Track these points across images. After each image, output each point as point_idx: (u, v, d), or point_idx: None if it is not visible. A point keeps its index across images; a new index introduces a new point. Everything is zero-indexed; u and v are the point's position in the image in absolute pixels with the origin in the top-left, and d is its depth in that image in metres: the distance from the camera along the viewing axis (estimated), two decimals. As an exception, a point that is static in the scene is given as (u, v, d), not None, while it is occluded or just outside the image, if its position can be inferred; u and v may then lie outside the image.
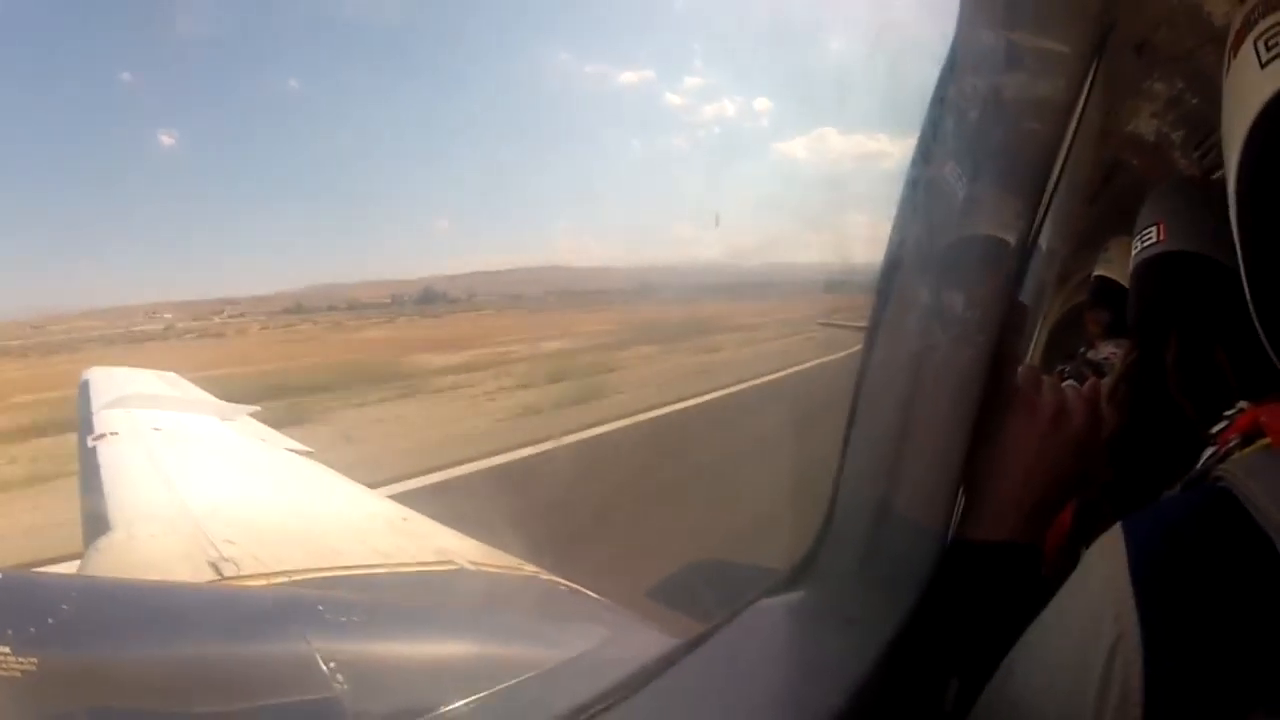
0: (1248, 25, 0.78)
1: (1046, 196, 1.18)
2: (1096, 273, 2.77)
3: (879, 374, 1.06)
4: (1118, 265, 2.47)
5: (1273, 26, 0.75)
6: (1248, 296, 0.77)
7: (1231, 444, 0.90)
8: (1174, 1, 1.54)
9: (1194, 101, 2.04)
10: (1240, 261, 0.78)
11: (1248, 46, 0.77)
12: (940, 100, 1.06)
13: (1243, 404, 1.07)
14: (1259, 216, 0.76)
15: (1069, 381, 2.00)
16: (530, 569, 2.16)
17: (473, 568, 2.09)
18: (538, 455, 8.85)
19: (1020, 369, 1.09)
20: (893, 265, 1.05)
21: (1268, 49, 0.75)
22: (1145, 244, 1.50)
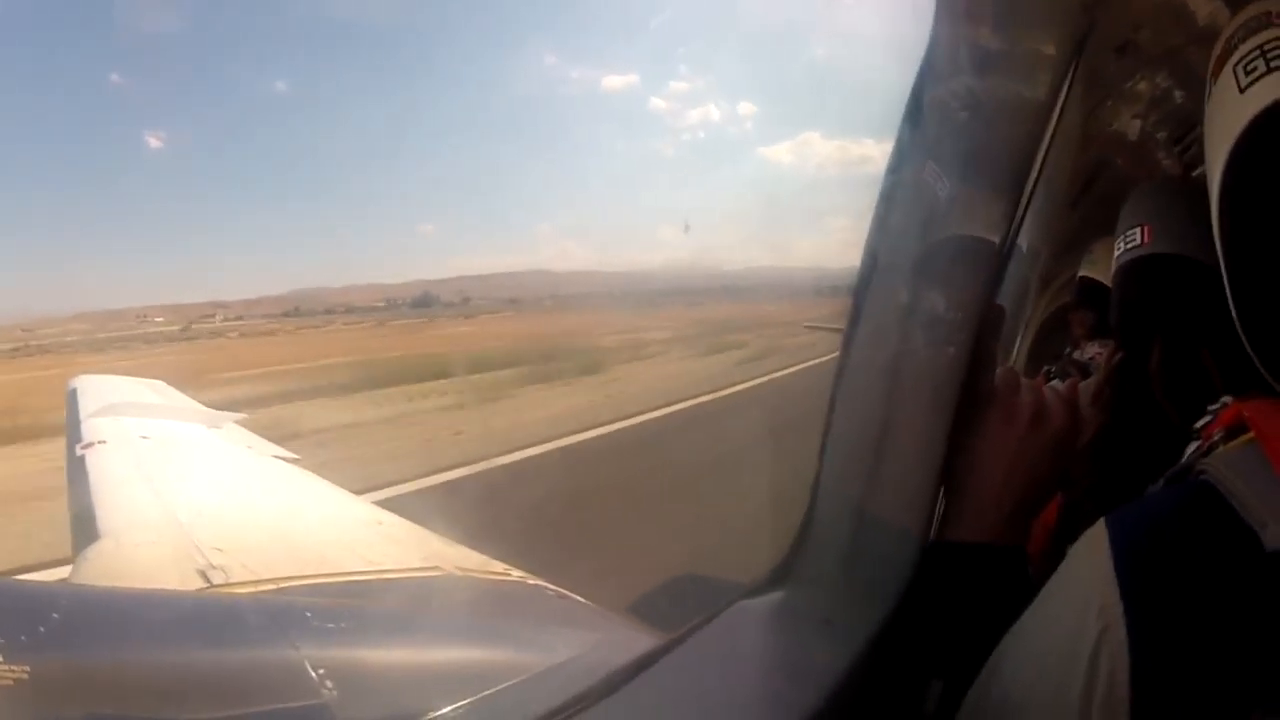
0: (1228, 51, 0.81)
1: (1025, 197, 1.19)
2: (1081, 274, 2.77)
3: (858, 375, 1.07)
4: (1102, 266, 2.47)
5: (1251, 52, 0.78)
6: (1230, 303, 0.78)
7: (1215, 438, 0.90)
8: (1155, 1, 1.54)
9: (1176, 101, 2.05)
10: (1223, 271, 0.79)
11: (1228, 72, 0.80)
12: (919, 102, 1.07)
13: (1227, 399, 1.08)
14: (1242, 232, 0.78)
15: (1054, 382, 2.00)
16: (517, 574, 2.15)
17: (460, 573, 2.08)
18: (783, 377, 13.13)
19: (999, 370, 1.10)
20: (870, 267, 1.05)
21: (1247, 74, 0.78)
22: (1129, 245, 1.51)
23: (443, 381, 14.52)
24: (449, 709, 1.27)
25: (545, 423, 10.73)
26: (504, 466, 8.45)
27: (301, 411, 12.00)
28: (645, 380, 14.80)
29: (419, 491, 7.22)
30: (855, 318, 1.05)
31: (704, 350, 18.23)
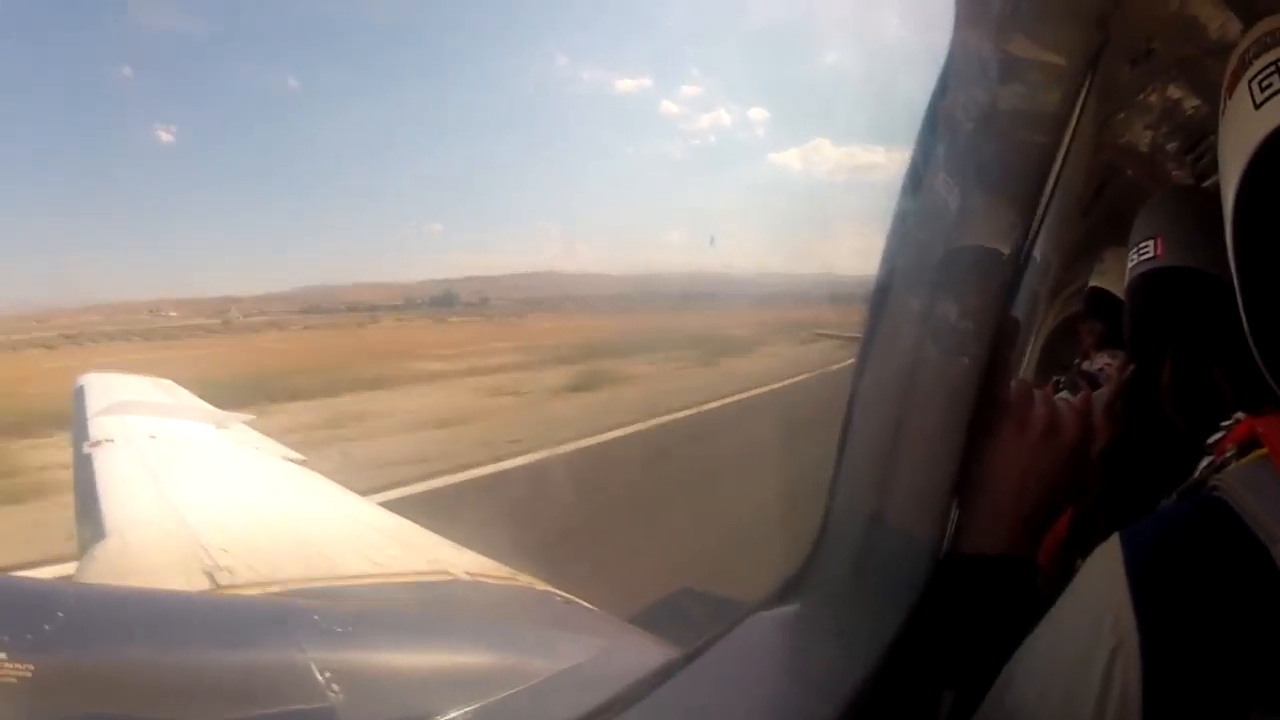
0: (1242, 66, 0.81)
1: (1041, 208, 1.18)
2: (1091, 284, 2.76)
3: (872, 386, 1.07)
4: (1112, 276, 2.47)
5: (1266, 68, 0.78)
6: (1243, 319, 0.78)
7: (1228, 454, 0.90)
8: (1169, 13, 1.54)
9: (1189, 112, 2.05)
10: (1236, 287, 0.79)
11: (1242, 87, 0.80)
12: (934, 112, 1.06)
13: (1239, 415, 1.07)
14: (1255, 248, 0.78)
15: (1063, 392, 2.00)
16: (525, 579, 2.15)
17: (468, 578, 2.08)
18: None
19: (1013, 382, 1.10)
20: (886, 276, 1.05)
21: (1261, 90, 0.78)
22: (1142, 257, 1.50)
23: (656, 354, 19.90)
24: (456, 713, 1.26)
25: (763, 374, 16.84)
26: (773, 390, 15.07)
27: (608, 366, 17.93)
28: (785, 358, 20.02)
29: (738, 401, 14.13)
30: (871, 327, 1.05)
31: (798, 341, 22.51)
